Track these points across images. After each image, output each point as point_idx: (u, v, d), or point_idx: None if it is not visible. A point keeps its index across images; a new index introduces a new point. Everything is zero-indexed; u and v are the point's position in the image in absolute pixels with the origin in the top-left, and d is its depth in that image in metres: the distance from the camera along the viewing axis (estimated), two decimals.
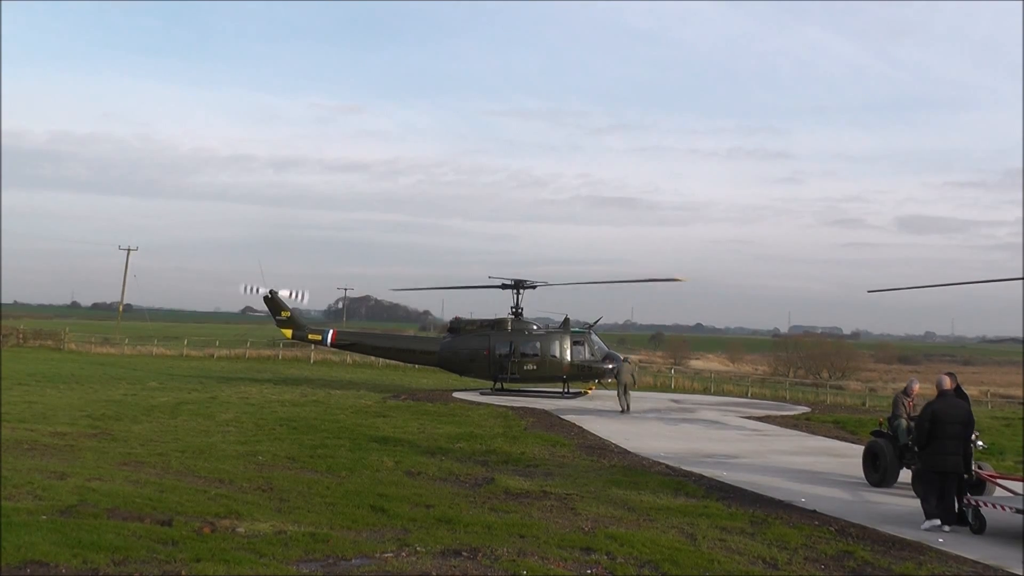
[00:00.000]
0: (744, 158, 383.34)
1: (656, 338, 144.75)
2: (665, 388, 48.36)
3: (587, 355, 35.27)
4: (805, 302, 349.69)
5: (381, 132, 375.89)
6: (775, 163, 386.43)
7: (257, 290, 37.41)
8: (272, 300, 37.39)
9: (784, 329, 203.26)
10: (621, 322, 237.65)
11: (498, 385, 35.52)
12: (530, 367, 34.93)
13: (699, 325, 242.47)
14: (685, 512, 12.89)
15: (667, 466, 17.42)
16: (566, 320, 36.08)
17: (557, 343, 35.12)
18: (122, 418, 21.90)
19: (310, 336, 38.23)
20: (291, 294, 37.47)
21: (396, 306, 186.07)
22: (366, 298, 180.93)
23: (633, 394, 39.70)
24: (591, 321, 36.91)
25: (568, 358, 34.99)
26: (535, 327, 36.02)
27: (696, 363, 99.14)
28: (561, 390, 36.03)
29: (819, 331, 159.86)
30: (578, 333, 35.60)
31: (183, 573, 8.70)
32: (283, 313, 37.42)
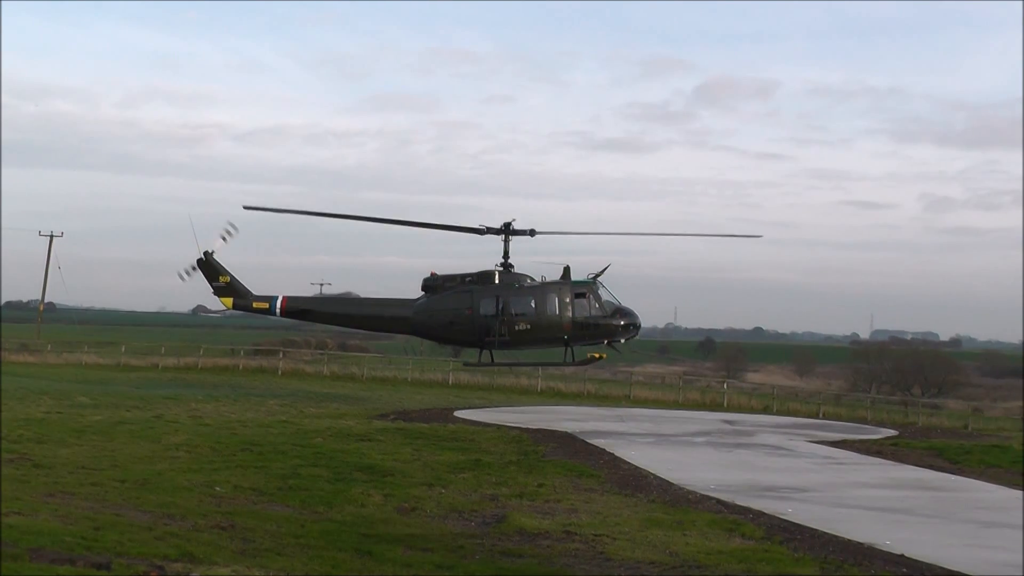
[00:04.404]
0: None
1: (705, 346, 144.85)
2: (716, 406, 48.41)
3: (593, 311, 35.39)
4: (892, 301, 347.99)
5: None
6: None
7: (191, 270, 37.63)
8: (207, 263, 37.67)
9: (865, 334, 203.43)
10: (662, 326, 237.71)
11: (485, 354, 35.94)
12: (523, 327, 35.03)
13: (758, 329, 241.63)
14: (742, 558, 12.96)
15: (719, 501, 17.49)
16: (567, 271, 36.15)
17: (555, 297, 35.20)
18: (46, 441, 22.06)
19: (255, 305, 38.37)
20: (224, 236, 37.23)
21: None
22: (346, 295, 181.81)
23: (677, 413, 39.80)
24: (596, 271, 36.58)
25: (569, 315, 35.12)
26: (528, 280, 36.16)
27: (755, 376, 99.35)
28: (563, 359, 36.48)
29: (909, 337, 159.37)
30: (581, 284, 35.63)
31: None
32: (221, 279, 37.62)
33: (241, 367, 62.57)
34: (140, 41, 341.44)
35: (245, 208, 37.84)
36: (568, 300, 34.99)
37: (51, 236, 79.51)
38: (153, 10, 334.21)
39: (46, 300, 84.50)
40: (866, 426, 38.83)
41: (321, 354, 70.46)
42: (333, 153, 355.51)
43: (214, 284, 37.60)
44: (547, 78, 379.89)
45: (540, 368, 59.63)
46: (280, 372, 59.92)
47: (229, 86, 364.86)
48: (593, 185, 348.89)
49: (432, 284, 36.44)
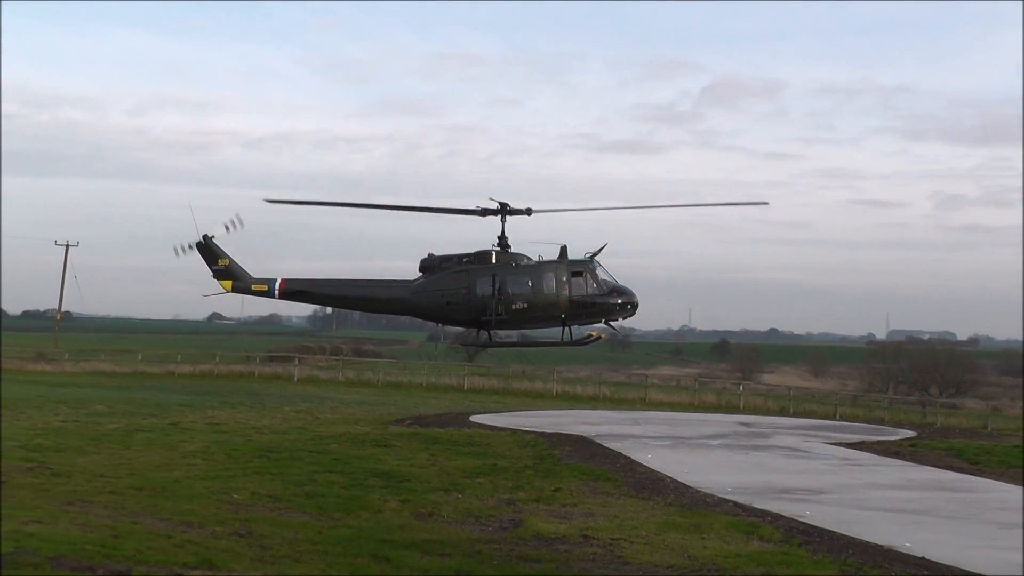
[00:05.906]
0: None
1: (720, 347, 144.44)
2: (732, 408, 48.29)
3: (590, 289, 35.69)
4: (907, 301, 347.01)
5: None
6: None
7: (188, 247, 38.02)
8: (206, 247, 38.09)
9: (881, 334, 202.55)
10: (676, 327, 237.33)
11: (483, 335, 36.24)
12: (519, 306, 35.40)
13: (773, 331, 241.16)
14: (760, 561, 12.97)
15: (736, 504, 17.44)
16: (563, 250, 36.49)
17: (551, 276, 35.50)
18: (64, 449, 22.15)
19: (254, 287, 38.72)
20: (228, 226, 37.76)
21: None
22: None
23: (692, 416, 39.76)
24: (593, 250, 36.97)
25: (566, 293, 35.48)
26: (525, 259, 36.55)
27: (770, 377, 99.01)
28: (559, 338, 36.76)
29: (926, 336, 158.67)
30: (577, 263, 35.97)
31: None
32: (220, 262, 37.99)
33: (256, 374, 62.75)
34: (149, 49, 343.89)
35: (267, 201, 38.18)
36: (565, 279, 35.35)
37: (67, 246, 79.93)
38: (161, 16, 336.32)
39: (63, 309, 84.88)
40: (884, 427, 38.69)
41: (336, 360, 70.60)
42: (342, 158, 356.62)
43: (213, 267, 38.13)
44: (554, 80, 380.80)
45: (555, 372, 59.66)
46: (295, 378, 60.05)
47: (238, 92, 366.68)
48: (603, 187, 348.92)
49: (429, 265, 37.00)
